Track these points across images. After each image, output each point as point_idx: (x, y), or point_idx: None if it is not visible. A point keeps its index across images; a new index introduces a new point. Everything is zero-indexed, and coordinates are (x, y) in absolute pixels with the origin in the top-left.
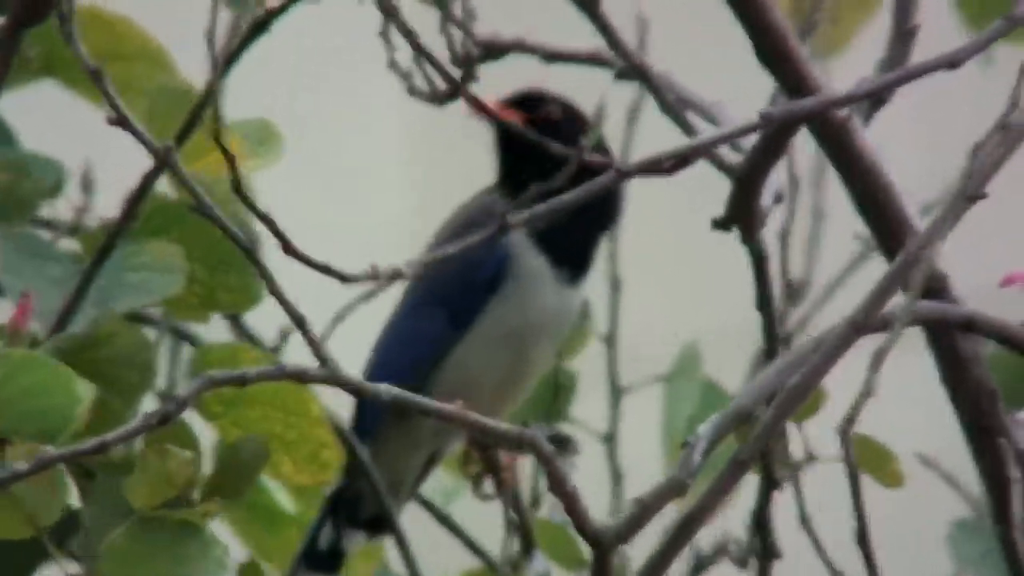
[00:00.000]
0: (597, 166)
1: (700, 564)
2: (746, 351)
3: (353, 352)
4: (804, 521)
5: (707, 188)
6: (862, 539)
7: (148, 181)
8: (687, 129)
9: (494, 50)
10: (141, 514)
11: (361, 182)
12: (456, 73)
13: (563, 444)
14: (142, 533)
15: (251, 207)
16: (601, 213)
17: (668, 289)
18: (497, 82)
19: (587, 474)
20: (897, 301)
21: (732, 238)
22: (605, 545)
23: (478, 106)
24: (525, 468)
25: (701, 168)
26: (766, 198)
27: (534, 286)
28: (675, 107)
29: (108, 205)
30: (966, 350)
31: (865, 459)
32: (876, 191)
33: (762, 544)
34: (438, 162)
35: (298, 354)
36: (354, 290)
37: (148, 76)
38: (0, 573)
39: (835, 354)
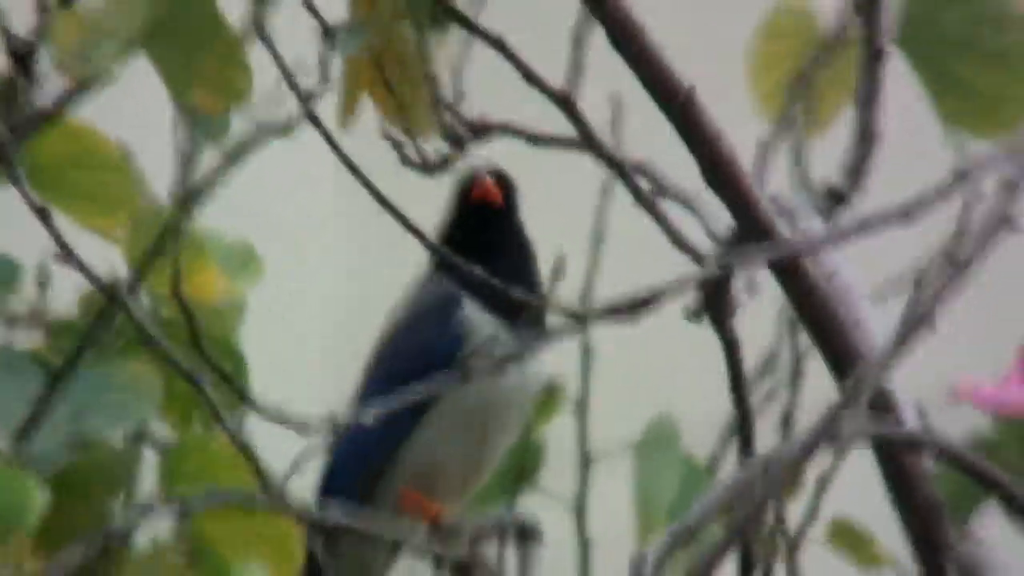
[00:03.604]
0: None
1: None
2: (716, 425)
3: None
4: None
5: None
6: None
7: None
8: (660, 221)
9: (482, 130)
10: None
11: (296, 244)
12: (447, 148)
13: (527, 533)
14: None
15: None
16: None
17: (642, 358)
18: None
19: (556, 543)
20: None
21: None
22: None
23: (481, 188)
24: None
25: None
26: (738, 288)
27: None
28: (648, 198)
29: (64, 301)
30: (913, 466)
31: (844, 542)
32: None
33: None
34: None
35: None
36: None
37: (114, 184)
38: None
39: (790, 474)
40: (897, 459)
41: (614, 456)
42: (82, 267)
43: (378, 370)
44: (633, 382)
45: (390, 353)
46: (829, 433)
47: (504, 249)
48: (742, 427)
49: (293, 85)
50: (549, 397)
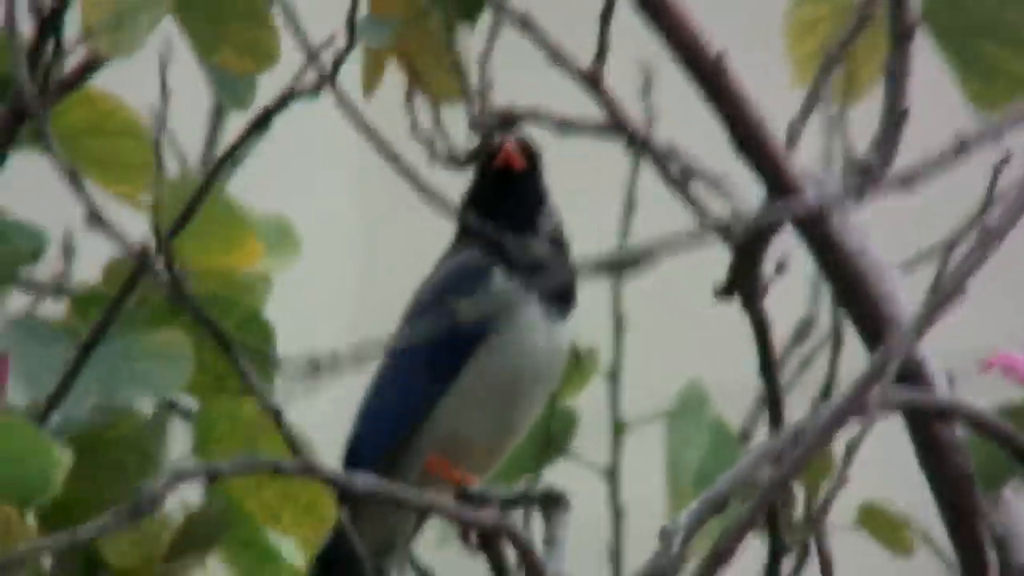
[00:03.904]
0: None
1: None
2: (748, 393)
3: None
4: None
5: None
6: None
7: (135, 276)
8: (690, 201)
9: (509, 119)
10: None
11: (308, 244)
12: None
13: (555, 502)
14: None
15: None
16: (564, 243)
17: (673, 328)
18: None
19: (589, 511)
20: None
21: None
22: None
23: (504, 154)
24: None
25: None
26: (768, 266)
27: (523, 331)
28: (678, 179)
29: (89, 273)
30: (943, 435)
31: (875, 526)
32: (852, 280)
33: None
34: (387, 225)
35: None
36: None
37: (133, 151)
38: None
39: (818, 444)
40: (928, 429)
41: (646, 424)
42: (112, 232)
43: (403, 340)
44: (665, 351)
45: (416, 323)
46: (858, 403)
47: (527, 214)
48: (772, 406)
49: (312, 53)
50: (581, 366)
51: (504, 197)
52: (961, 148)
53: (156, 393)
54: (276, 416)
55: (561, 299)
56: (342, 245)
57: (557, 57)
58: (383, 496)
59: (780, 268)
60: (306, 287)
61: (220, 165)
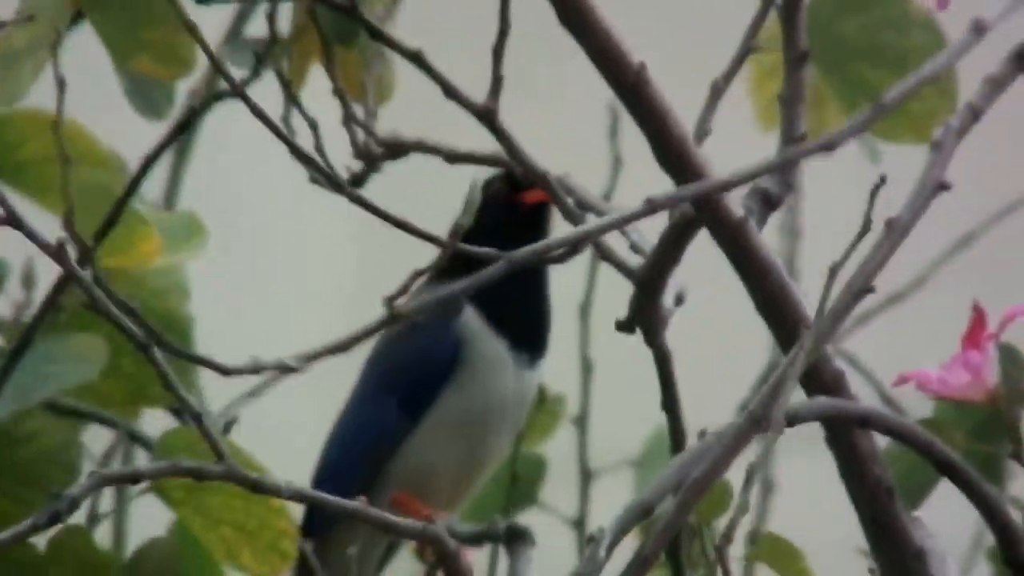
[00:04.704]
0: (483, 257)
1: None
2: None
3: None
4: None
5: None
6: None
7: (62, 281)
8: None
9: (396, 149)
10: None
11: (301, 262)
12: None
13: (519, 538)
14: None
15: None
16: (541, 284)
17: (640, 372)
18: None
19: (557, 560)
20: (796, 397)
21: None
22: None
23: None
24: (480, 561)
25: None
26: (668, 299)
27: (492, 372)
28: (575, 213)
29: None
30: (864, 447)
31: (773, 557)
32: (773, 290)
33: None
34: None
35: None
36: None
37: (96, 178)
38: None
39: (735, 448)
40: (848, 440)
41: (614, 471)
42: (30, 234)
43: (371, 375)
44: (633, 396)
45: (384, 358)
46: (765, 412)
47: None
48: (675, 441)
49: (218, 63)
50: (550, 412)
51: (535, 232)
52: (879, 110)
53: (62, 388)
54: (197, 421)
55: (533, 345)
56: (335, 252)
57: (450, 91)
58: (308, 501)
59: (679, 300)
60: (300, 297)
61: (143, 171)
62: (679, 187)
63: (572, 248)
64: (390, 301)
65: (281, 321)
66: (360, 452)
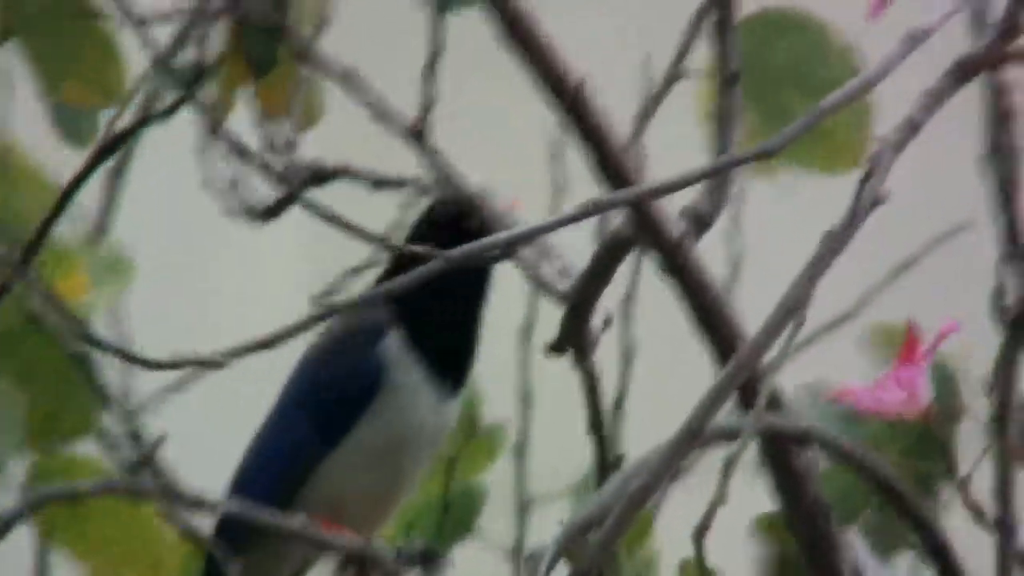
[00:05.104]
0: (424, 254)
1: None
2: None
3: None
4: None
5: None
6: None
7: None
8: (517, 261)
9: (320, 175)
10: None
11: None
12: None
13: (432, 561)
14: None
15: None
16: (475, 313)
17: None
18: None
19: None
20: (731, 412)
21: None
22: None
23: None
24: None
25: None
26: (596, 322)
27: (411, 401)
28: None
29: None
30: (800, 465)
31: None
32: (710, 307)
33: None
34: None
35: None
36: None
37: (32, 197)
38: None
39: (672, 460)
40: (785, 456)
41: (554, 499)
42: None
43: (289, 397)
44: (573, 425)
45: (307, 377)
46: (699, 428)
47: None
48: (601, 466)
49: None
50: (489, 441)
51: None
52: (822, 112)
53: None
54: (134, 436)
55: (456, 374)
56: (286, 264)
57: (379, 111)
58: (249, 520)
59: (607, 323)
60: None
61: (71, 189)
62: (618, 191)
63: (508, 248)
64: (318, 299)
65: (230, 334)
66: (274, 474)
